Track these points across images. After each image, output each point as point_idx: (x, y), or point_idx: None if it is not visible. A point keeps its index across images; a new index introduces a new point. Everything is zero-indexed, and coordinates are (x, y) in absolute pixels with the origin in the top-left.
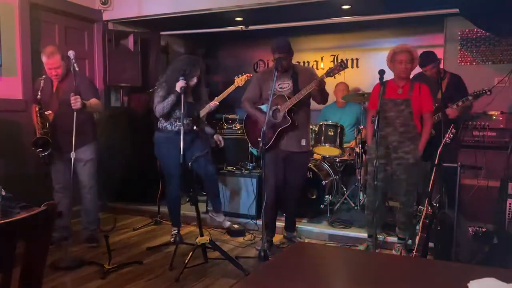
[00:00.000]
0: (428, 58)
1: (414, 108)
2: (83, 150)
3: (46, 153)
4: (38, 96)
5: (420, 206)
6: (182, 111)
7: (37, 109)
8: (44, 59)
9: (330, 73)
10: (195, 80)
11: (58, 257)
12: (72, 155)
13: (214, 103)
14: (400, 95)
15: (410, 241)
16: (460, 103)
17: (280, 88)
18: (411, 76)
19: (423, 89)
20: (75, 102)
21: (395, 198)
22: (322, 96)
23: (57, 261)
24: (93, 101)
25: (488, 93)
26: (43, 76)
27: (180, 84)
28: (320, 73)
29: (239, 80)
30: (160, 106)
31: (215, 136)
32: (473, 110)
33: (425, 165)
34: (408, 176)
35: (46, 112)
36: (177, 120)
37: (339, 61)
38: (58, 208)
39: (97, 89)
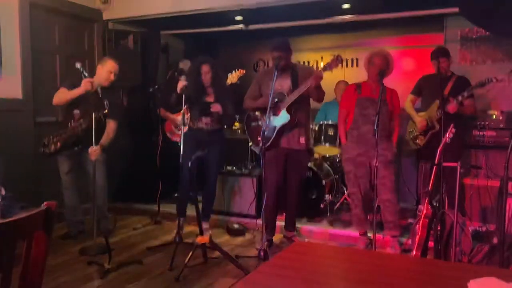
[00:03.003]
0: (444, 51)
1: (389, 108)
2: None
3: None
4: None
5: (420, 206)
6: (183, 110)
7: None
8: (110, 63)
9: (327, 67)
10: (206, 83)
11: (85, 245)
12: (90, 154)
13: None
14: (375, 95)
15: (406, 239)
16: (465, 94)
17: (279, 86)
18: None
19: (394, 93)
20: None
21: (379, 196)
22: (318, 93)
23: (85, 249)
24: (110, 124)
25: (494, 80)
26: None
27: (179, 85)
28: None
29: (232, 77)
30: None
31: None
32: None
33: (423, 164)
34: (389, 172)
35: (74, 111)
36: (194, 119)
37: (335, 55)
38: (69, 204)
39: (119, 111)
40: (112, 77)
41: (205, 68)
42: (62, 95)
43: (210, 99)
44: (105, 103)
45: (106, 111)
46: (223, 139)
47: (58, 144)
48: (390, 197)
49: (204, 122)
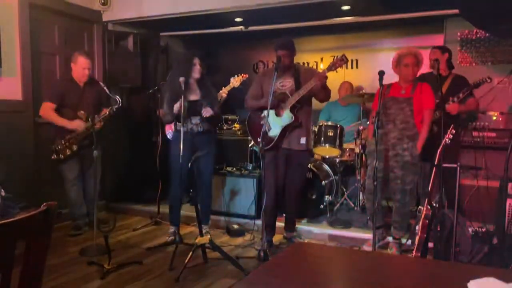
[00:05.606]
0: (446, 48)
1: (415, 107)
2: (100, 148)
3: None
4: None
5: (420, 206)
6: (182, 111)
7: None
8: (81, 59)
9: (332, 67)
10: (196, 75)
11: (85, 246)
12: (95, 153)
13: (224, 92)
14: (403, 95)
15: (406, 241)
16: (460, 95)
17: (281, 86)
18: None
19: (424, 88)
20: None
21: (391, 196)
22: (324, 92)
23: (85, 250)
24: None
25: (488, 80)
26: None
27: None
28: None
29: (235, 81)
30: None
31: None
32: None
33: (423, 165)
34: (403, 173)
35: (79, 113)
36: (187, 120)
37: (341, 55)
38: (76, 201)
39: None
40: (87, 72)
41: (197, 61)
42: (47, 114)
43: (195, 97)
44: (117, 98)
45: (118, 105)
46: (214, 140)
47: (74, 146)
48: (399, 198)
49: (194, 123)
